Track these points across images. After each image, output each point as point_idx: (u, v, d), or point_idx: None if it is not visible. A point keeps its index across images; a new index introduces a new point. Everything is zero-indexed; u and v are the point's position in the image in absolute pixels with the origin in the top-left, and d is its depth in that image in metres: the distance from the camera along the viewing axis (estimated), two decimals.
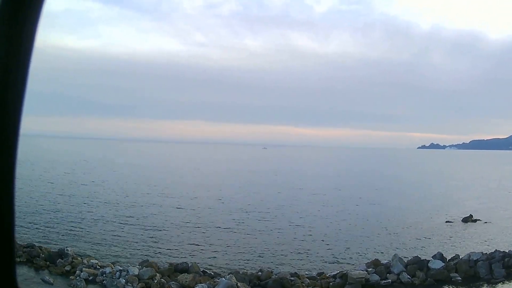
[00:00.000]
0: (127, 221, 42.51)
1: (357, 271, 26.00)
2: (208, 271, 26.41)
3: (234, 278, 23.50)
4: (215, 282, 23.57)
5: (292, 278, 24.70)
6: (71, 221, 40.67)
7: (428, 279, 26.94)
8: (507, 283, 27.12)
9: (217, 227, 41.80)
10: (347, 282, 25.17)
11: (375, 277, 26.13)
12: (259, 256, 31.76)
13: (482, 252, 29.97)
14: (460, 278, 27.55)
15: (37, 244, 29.39)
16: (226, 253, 32.35)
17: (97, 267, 25.84)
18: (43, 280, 24.14)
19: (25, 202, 46.25)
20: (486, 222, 49.02)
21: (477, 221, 49.60)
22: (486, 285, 26.95)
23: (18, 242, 28.40)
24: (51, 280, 24.28)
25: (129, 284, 23.34)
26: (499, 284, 27.21)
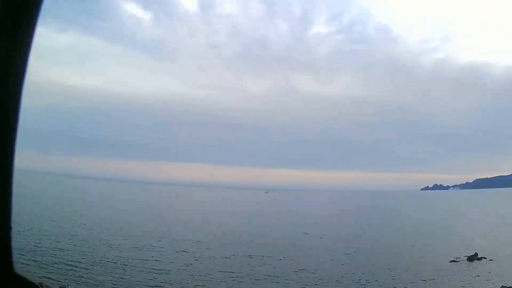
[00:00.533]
0: (129, 262, 42.03)
1: None
2: None
3: None
4: None
5: None
6: (73, 260, 40.31)
7: None
8: None
9: (220, 271, 41.14)
10: None
11: None
12: None
13: None
14: None
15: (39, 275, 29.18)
16: None
17: None
18: None
19: (27, 237, 46.07)
20: (491, 260, 48.51)
21: (483, 259, 49.06)
22: None
23: None
24: None
25: None
26: None
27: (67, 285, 27.86)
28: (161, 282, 35.70)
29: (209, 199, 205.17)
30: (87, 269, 37.84)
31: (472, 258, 49.46)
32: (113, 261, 41.96)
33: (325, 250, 55.58)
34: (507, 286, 30.60)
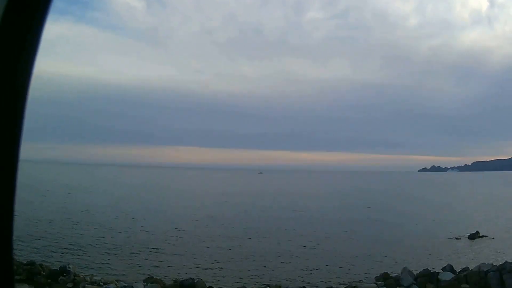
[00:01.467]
0: (128, 241, 41.94)
1: (367, 284, 25.45)
2: (214, 287, 25.85)
3: None
4: None
5: None
6: (72, 242, 40.19)
7: None
8: None
9: (219, 246, 41.15)
10: None
11: None
12: (265, 273, 31.14)
13: (492, 264, 29.46)
14: None
15: (37, 262, 28.78)
16: (230, 270, 31.77)
17: (101, 283, 25.31)
18: None
19: (25, 222, 45.81)
20: (493, 238, 48.42)
21: (484, 237, 49.00)
22: None
23: (18, 260, 27.87)
24: None
25: None
26: None
27: (68, 265, 27.52)
28: (161, 257, 35.69)
29: (204, 181, 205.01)
30: (87, 251, 37.74)
31: (474, 236, 49.36)
32: (112, 240, 41.96)
33: (324, 227, 55.52)
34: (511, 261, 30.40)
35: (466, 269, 29.41)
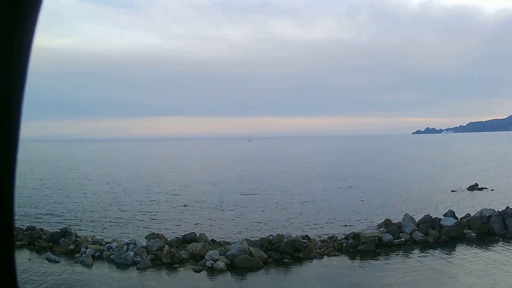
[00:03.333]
0: (126, 206, 42.11)
1: (369, 231, 25.41)
2: (217, 240, 25.78)
3: (245, 242, 22.88)
4: (226, 248, 22.93)
5: (304, 241, 24.08)
6: (71, 209, 40.28)
7: (442, 236, 26.34)
8: None
9: (216, 207, 41.23)
10: (360, 242, 24.56)
11: (388, 237, 25.53)
12: (267, 226, 31.20)
13: (494, 209, 29.48)
14: (475, 234, 27.00)
15: (38, 227, 28.64)
16: (232, 225, 31.89)
17: (103, 243, 25.17)
18: (48, 259, 23.33)
19: (20, 193, 45.67)
20: (492, 190, 48.55)
21: (483, 189, 49.17)
22: (501, 240, 26.31)
23: (18, 226, 27.71)
24: (57, 259, 23.51)
25: (138, 256, 22.61)
26: None
27: (69, 227, 27.33)
28: (160, 218, 35.84)
29: (192, 151, 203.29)
30: (86, 213, 38.03)
31: (473, 188, 49.55)
32: (110, 206, 42.07)
33: (321, 185, 55.61)
34: None
35: (467, 215, 29.45)
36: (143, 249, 23.13)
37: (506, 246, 24.97)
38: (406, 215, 27.72)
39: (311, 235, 26.68)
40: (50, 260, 23.33)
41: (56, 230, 27.57)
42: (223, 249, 22.83)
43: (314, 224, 31.63)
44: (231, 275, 20.91)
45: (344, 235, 26.88)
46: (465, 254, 23.75)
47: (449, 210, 29.71)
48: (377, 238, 24.78)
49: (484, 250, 24.49)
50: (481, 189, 49.36)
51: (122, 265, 22.29)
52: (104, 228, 32.00)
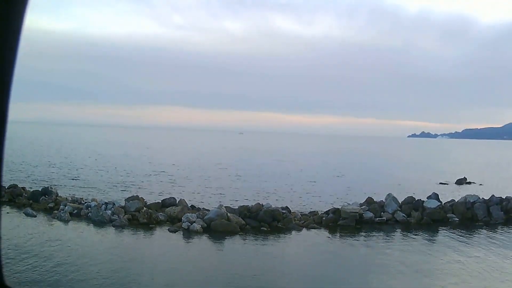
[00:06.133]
0: (110, 174, 42.24)
1: (351, 207, 25.28)
2: (196, 206, 25.61)
3: (224, 208, 22.70)
4: (204, 213, 22.75)
5: (283, 211, 23.90)
6: (56, 174, 40.21)
7: (424, 218, 26.22)
8: (507, 227, 26.37)
9: (200, 182, 41.14)
10: (341, 217, 24.43)
11: (369, 214, 25.41)
12: (248, 198, 31.08)
13: (478, 196, 29.39)
14: (458, 219, 26.88)
15: (20, 186, 28.41)
16: (213, 194, 32.01)
17: (82, 202, 24.96)
18: (26, 214, 23.11)
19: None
20: (481, 184, 48.53)
21: (472, 184, 49.21)
22: (485, 227, 26.10)
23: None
24: (35, 213, 23.30)
25: (115, 215, 22.41)
26: (499, 226, 26.47)
27: (50, 186, 27.15)
28: (142, 184, 36.40)
29: (183, 140, 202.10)
30: (67, 177, 37.97)
31: (461, 181, 49.57)
32: (93, 171, 42.50)
33: (308, 171, 55.55)
34: (497, 196, 30.35)
35: (452, 200, 29.40)
36: (121, 208, 22.94)
37: (490, 233, 24.79)
38: (389, 194, 27.56)
39: (292, 207, 26.54)
40: (27, 215, 23.12)
41: (37, 189, 27.32)
42: (201, 213, 22.65)
43: (297, 199, 31.60)
44: (207, 237, 20.75)
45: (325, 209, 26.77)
46: (447, 236, 23.60)
47: (433, 193, 29.59)
48: (357, 214, 24.64)
49: (467, 235, 24.27)
50: (470, 183, 49.49)
51: (99, 223, 22.11)
52: (86, 190, 31.85)
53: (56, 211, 23.61)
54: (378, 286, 16.07)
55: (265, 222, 22.71)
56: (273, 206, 24.24)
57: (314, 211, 26.55)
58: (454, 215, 27.21)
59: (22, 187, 28.05)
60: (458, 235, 23.67)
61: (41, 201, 25.47)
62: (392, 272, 16.91)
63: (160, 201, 25.04)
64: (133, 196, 25.34)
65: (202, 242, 20.16)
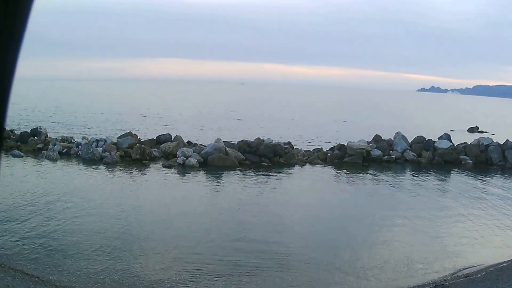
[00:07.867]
0: (104, 116, 41.31)
1: (357, 143, 23.72)
2: (193, 142, 24.23)
3: (222, 142, 21.26)
4: (201, 148, 21.37)
5: (286, 146, 22.47)
6: (43, 114, 39.10)
7: (436, 158, 24.68)
8: None
9: (197, 124, 39.56)
10: (347, 154, 22.98)
11: (377, 152, 23.95)
12: (247, 134, 29.64)
13: (492, 139, 27.60)
14: (471, 161, 25.23)
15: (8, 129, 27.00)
16: (211, 130, 30.95)
17: (72, 141, 23.64)
18: (13, 155, 21.87)
19: None
20: (493, 134, 46.60)
21: (484, 133, 47.31)
22: (500, 171, 24.46)
23: None
24: (22, 154, 22.03)
25: (106, 152, 21.09)
26: None
27: (39, 127, 25.78)
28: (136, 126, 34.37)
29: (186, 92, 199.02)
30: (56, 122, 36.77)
31: (473, 130, 47.80)
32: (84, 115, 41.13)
33: (311, 121, 54.13)
34: None
35: (464, 143, 27.69)
36: (112, 145, 21.62)
37: (506, 178, 23.11)
38: (397, 133, 25.97)
39: (295, 146, 25.03)
40: (14, 156, 21.89)
41: (26, 131, 25.98)
42: (197, 148, 21.29)
43: (300, 137, 30.16)
44: (203, 171, 19.43)
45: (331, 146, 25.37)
46: (461, 179, 21.96)
47: (444, 133, 27.90)
48: (365, 151, 23.18)
49: (482, 178, 22.55)
50: (482, 132, 47.58)
51: (90, 160, 20.84)
52: (77, 131, 30.56)
53: (44, 151, 22.35)
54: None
55: (266, 157, 21.36)
56: (274, 141, 22.79)
57: (318, 148, 25.08)
58: (467, 157, 25.59)
59: (10, 130, 26.67)
60: (472, 178, 22.09)
61: (29, 142, 24.15)
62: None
63: (154, 138, 23.66)
64: (126, 133, 23.93)
65: (198, 176, 18.85)
